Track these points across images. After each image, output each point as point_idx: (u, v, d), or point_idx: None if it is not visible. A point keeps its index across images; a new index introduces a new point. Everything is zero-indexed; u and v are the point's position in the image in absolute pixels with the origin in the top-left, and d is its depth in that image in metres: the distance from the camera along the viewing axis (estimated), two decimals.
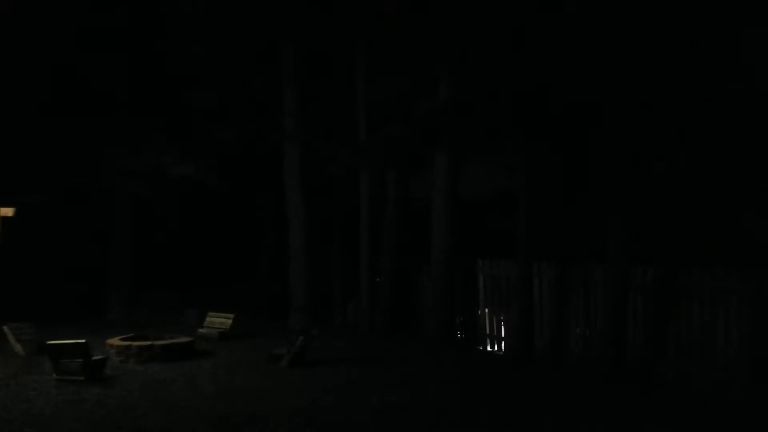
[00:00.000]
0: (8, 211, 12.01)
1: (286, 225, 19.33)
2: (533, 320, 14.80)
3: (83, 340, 12.00)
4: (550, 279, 14.68)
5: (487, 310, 16.33)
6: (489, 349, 16.17)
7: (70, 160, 18.74)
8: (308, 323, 17.39)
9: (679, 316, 12.82)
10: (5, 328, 14.29)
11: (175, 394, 10.95)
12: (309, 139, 18.78)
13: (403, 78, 17.41)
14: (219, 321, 16.60)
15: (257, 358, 13.81)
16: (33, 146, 18.67)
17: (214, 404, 10.37)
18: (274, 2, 18.25)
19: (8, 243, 12.24)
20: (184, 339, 14.45)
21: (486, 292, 16.32)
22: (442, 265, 16.33)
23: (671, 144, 13.68)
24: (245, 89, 19.41)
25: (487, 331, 16.24)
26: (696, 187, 14.44)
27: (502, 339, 15.90)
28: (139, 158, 18.83)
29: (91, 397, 10.71)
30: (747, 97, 12.49)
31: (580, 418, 9.90)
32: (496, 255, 16.12)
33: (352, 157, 18.12)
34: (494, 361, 14.91)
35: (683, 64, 12.74)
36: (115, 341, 13.83)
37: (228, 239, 22.27)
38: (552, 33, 13.67)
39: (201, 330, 16.45)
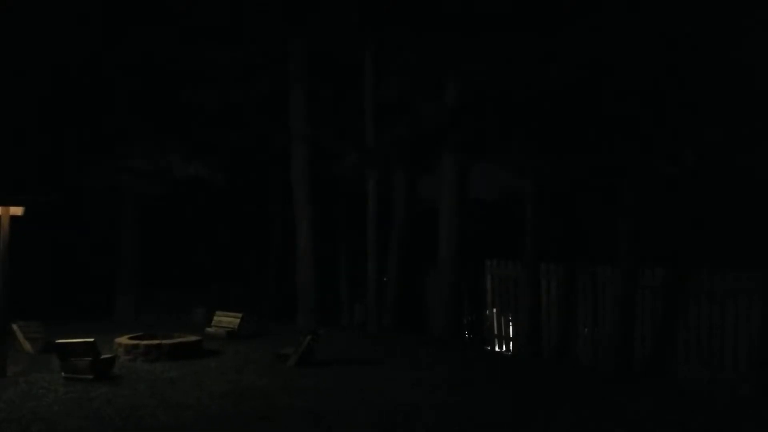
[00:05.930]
0: (17, 211, 12.04)
1: (293, 225, 19.35)
2: (541, 320, 14.78)
3: (91, 339, 12.02)
4: (558, 279, 14.66)
5: (494, 311, 16.31)
6: (497, 349, 16.14)
7: (79, 160, 18.83)
8: (315, 323, 17.41)
9: (687, 316, 12.79)
10: (14, 327, 14.33)
11: (183, 393, 10.96)
12: (316, 139, 18.79)
13: (411, 79, 17.39)
14: (227, 320, 16.62)
15: (265, 357, 13.81)
16: (41, 146, 18.77)
17: (221, 403, 10.38)
18: (283, 3, 18.27)
19: (17, 242, 12.25)
20: (192, 338, 14.46)
21: (494, 293, 16.30)
22: (449, 266, 16.31)
23: (680, 145, 13.66)
24: (252, 89, 19.43)
25: (495, 331, 16.21)
26: (705, 189, 14.41)
27: (510, 339, 15.87)
28: (146, 158, 18.88)
29: (99, 395, 10.73)
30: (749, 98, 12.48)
31: (589, 419, 9.87)
32: (504, 255, 16.09)
33: (360, 158, 18.11)
34: (502, 361, 14.87)
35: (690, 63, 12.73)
36: (124, 340, 13.85)
37: (235, 239, 22.32)
38: (557, 34, 13.66)
39: (209, 329, 16.47)
